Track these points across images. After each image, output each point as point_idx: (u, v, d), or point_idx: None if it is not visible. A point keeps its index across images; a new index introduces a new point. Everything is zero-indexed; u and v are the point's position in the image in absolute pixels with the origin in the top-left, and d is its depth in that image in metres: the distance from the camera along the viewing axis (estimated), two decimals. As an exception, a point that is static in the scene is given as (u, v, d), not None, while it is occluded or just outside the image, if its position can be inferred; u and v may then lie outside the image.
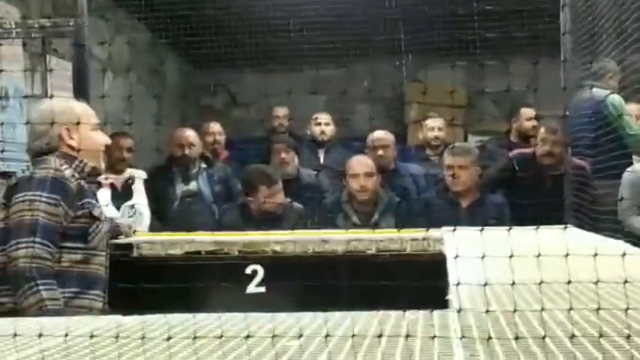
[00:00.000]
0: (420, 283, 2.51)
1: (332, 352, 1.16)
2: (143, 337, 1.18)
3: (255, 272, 3.41)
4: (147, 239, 3.65)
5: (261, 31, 7.34)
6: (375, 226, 4.87)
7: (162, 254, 3.53)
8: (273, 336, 1.18)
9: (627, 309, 1.18)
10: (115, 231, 3.55)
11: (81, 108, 3.25)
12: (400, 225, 4.65)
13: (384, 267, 3.28)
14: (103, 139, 3.31)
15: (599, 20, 4.43)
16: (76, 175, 3.04)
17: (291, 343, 1.20)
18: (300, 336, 1.16)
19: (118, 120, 6.67)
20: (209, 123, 6.77)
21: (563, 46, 4.27)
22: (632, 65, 5.02)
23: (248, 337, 1.16)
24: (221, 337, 1.21)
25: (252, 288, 3.41)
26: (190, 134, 5.93)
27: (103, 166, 3.32)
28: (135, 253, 3.51)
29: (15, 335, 1.20)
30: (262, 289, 3.40)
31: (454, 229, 2.54)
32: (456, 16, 7.09)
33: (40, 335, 1.29)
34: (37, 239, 2.78)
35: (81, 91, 3.83)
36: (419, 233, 3.48)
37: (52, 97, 3.45)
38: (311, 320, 1.35)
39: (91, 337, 1.22)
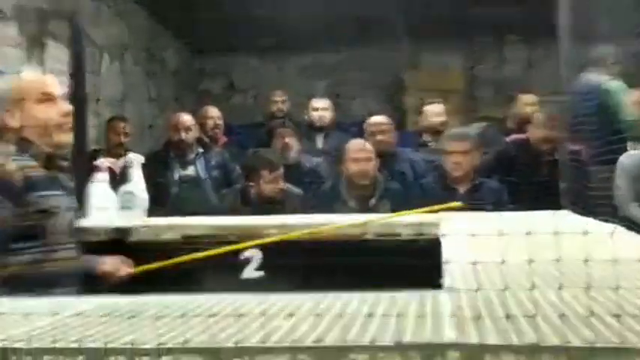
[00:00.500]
0: (416, 265, 2.52)
1: (324, 330, 1.17)
2: (158, 316, 1.19)
3: (252, 257, 3.40)
4: (143, 224, 3.64)
5: (261, 17, 7.33)
6: (372, 210, 4.87)
7: (162, 238, 3.52)
8: (264, 314, 1.19)
9: (617, 288, 1.18)
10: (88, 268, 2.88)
11: (26, 80, 2.87)
12: (397, 210, 4.65)
13: (380, 250, 3.28)
14: (53, 110, 2.70)
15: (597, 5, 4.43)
16: (30, 164, 2.62)
17: (284, 321, 1.20)
18: (291, 315, 1.17)
19: (116, 105, 6.69)
20: (207, 107, 6.75)
21: (561, 31, 4.26)
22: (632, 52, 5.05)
23: (239, 315, 1.17)
24: (215, 315, 1.21)
25: (249, 272, 3.41)
26: (187, 118, 5.90)
27: (64, 140, 2.77)
28: (132, 238, 3.49)
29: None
30: (260, 274, 3.40)
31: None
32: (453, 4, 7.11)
33: (55, 313, 1.30)
34: None
35: (76, 77, 3.82)
36: (415, 218, 3.48)
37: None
38: (307, 300, 1.35)
39: (103, 316, 1.23)
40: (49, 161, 2.68)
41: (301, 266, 3.22)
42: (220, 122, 6.65)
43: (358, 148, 5.17)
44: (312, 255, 3.27)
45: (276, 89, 7.54)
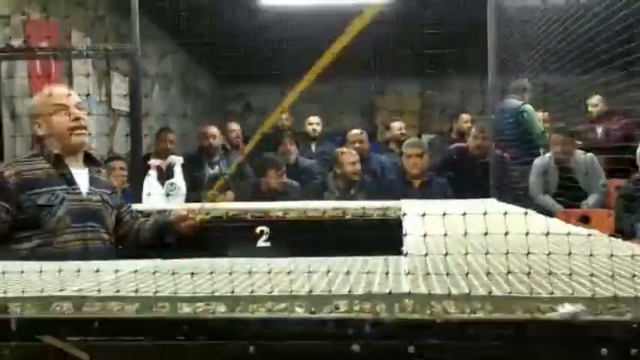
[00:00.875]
0: (384, 237, 2.51)
1: (314, 284, 1.17)
2: (193, 274, 1.20)
3: (262, 231, 3.40)
4: (182, 207, 3.63)
5: (271, 56, 7.33)
6: (352, 198, 4.87)
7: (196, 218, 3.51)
8: (270, 272, 1.19)
9: (528, 253, 1.19)
10: (162, 222, 2.80)
11: (43, 96, 2.61)
12: (370, 198, 4.66)
13: (357, 226, 3.28)
14: (65, 117, 2.50)
15: (518, 46, 4.44)
16: (40, 165, 2.46)
17: (285, 278, 1.20)
18: (290, 273, 1.17)
19: (163, 120, 6.71)
20: (230, 123, 6.84)
21: (490, 68, 4.28)
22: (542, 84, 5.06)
23: (250, 273, 1.17)
24: (231, 273, 1.21)
25: (260, 243, 3.41)
26: (214, 130, 6.01)
27: (78, 141, 2.53)
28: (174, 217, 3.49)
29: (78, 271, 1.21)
30: (268, 244, 3.40)
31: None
32: (413, 46, 7.10)
33: (116, 270, 1.30)
34: None
35: (134, 100, 3.81)
36: (384, 203, 3.49)
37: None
38: (302, 263, 1.35)
39: (153, 273, 1.23)
40: (57, 162, 2.49)
41: (298, 238, 3.22)
42: (240, 134, 6.71)
43: (353, 155, 5.19)
44: (306, 230, 3.28)
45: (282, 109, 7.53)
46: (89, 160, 2.63)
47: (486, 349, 1.05)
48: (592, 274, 1.13)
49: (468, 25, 4.63)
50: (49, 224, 2.39)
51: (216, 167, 5.89)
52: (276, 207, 3.50)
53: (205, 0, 5.87)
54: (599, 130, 6.25)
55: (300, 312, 1.09)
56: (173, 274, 1.16)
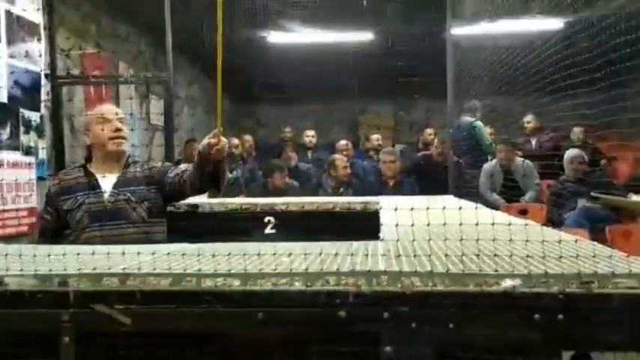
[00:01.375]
0: (365, 226, 2.50)
1: (309, 264, 1.17)
2: (214, 255, 1.19)
3: (269, 221, 3.39)
4: (206, 201, 3.62)
5: (277, 82, 7.33)
6: (341, 195, 4.87)
7: (216, 210, 3.50)
8: (274, 254, 1.18)
9: (477, 240, 1.19)
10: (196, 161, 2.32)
11: (92, 110, 2.52)
12: (355, 195, 4.67)
13: (344, 217, 3.27)
14: (107, 127, 2.37)
15: (470, 75, 4.45)
16: (74, 175, 2.39)
17: (286, 259, 1.20)
18: (290, 254, 1.17)
19: (191, 133, 6.68)
20: (244, 135, 6.83)
21: (448, 91, 4.28)
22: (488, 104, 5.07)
23: (259, 254, 1.17)
24: (244, 254, 1.20)
25: (268, 230, 3.40)
26: (235, 141, 6.01)
27: (115, 149, 2.37)
28: (200, 210, 3.47)
29: (123, 253, 1.20)
30: (274, 231, 3.39)
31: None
32: (388, 75, 7.11)
33: (139, 253, 1.29)
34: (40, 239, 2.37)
35: (167, 117, 3.80)
36: (366, 198, 3.49)
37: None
38: (299, 246, 1.35)
39: (182, 254, 1.22)
40: (85, 170, 2.38)
41: (297, 226, 3.21)
42: (253, 144, 6.71)
43: (344, 160, 5.19)
44: (304, 220, 3.27)
45: (285, 125, 7.55)
46: (128, 166, 2.44)
47: (445, 315, 1.05)
48: (528, 256, 1.14)
49: (432, 57, 4.63)
50: (72, 225, 2.29)
51: (234, 172, 5.89)
52: (280, 201, 3.50)
53: (225, 38, 5.84)
54: (533, 141, 6.28)
55: (298, 285, 1.09)
56: (198, 255, 1.15)
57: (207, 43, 5.36)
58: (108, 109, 2.47)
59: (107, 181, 2.38)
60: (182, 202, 3.41)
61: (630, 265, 1.09)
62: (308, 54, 6.42)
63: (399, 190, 4.89)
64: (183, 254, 1.19)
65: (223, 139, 2.21)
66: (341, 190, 5.09)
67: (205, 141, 2.19)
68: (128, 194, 2.35)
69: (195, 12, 4.75)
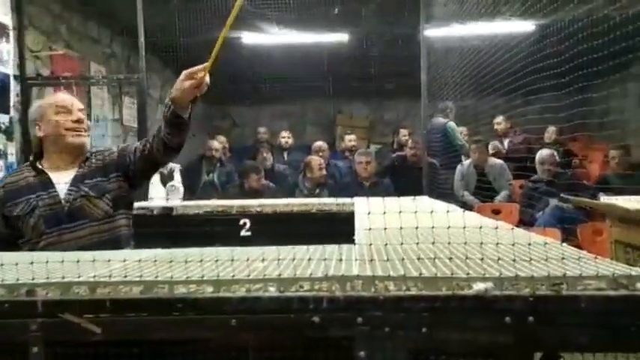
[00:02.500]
0: (341, 229, 2.51)
1: (283, 268, 1.16)
2: (186, 261, 1.17)
3: (245, 223, 3.38)
4: (180, 204, 3.59)
5: (250, 82, 7.31)
6: (317, 196, 4.87)
7: (191, 213, 3.47)
8: (248, 259, 1.18)
9: (449, 242, 1.20)
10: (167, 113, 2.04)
11: (46, 98, 2.25)
12: (331, 196, 4.67)
13: (319, 219, 3.27)
14: (67, 118, 2.09)
15: (444, 77, 4.49)
16: (23, 176, 2.10)
17: (260, 264, 1.19)
18: (263, 260, 1.16)
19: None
20: (219, 136, 6.79)
21: (422, 93, 4.31)
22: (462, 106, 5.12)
23: (232, 260, 1.16)
24: (217, 260, 1.19)
25: (243, 232, 3.38)
26: (216, 144, 6.00)
27: (77, 141, 2.11)
28: (174, 212, 3.44)
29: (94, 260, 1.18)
30: (249, 233, 3.38)
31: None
32: (364, 77, 7.15)
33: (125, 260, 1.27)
34: None
35: (140, 119, 3.76)
36: (341, 200, 3.49)
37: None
38: (273, 251, 1.34)
39: (153, 261, 1.20)
40: (35, 168, 2.10)
41: (273, 229, 3.20)
42: (227, 144, 6.67)
43: (320, 162, 5.19)
44: (279, 222, 3.26)
45: (260, 126, 7.53)
46: (86, 160, 2.17)
47: (418, 319, 1.06)
48: (499, 259, 1.15)
49: (406, 59, 4.66)
50: (27, 232, 2.02)
51: (211, 174, 5.85)
52: (255, 203, 3.49)
53: (198, 39, 5.81)
54: (505, 142, 6.38)
55: (271, 291, 1.09)
56: (170, 261, 1.14)
57: (180, 44, 5.34)
58: (67, 97, 2.18)
59: (62, 179, 2.10)
60: (154, 205, 3.38)
61: (598, 267, 1.11)
62: (283, 55, 6.41)
63: (374, 191, 4.91)
64: (154, 261, 1.17)
65: (206, 77, 1.95)
66: (317, 191, 5.09)
67: (184, 82, 1.92)
68: (86, 189, 2.08)
69: (169, 13, 4.70)
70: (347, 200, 3.40)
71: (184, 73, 1.94)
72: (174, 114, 2.00)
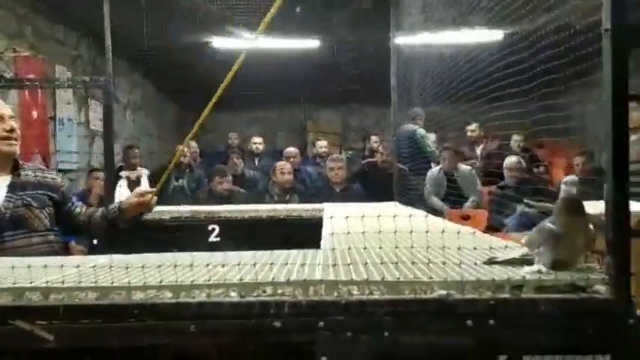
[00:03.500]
0: (308, 234, 2.49)
1: (244, 273, 1.15)
2: (144, 267, 1.15)
3: (214, 229, 3.34)
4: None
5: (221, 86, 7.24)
6: (287, 202, 4.85)
7: (159, 218, 3.41)
8: (208, 265, 1.16)
9: (412, 247, 1.20)
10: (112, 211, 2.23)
11: None
12: (301, 202, 4.66)
13: (289, 225, 3.26)
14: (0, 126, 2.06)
15: (413, 84, 4.52)
16: None
17: (221, 269, 1.17)
18: (224, 266, 1.14)
19: (133, 139, 6.52)
20: (190, 142, 6.70)
21: (392, 99, 4.34)
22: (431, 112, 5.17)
23: (208, 265, 1.14)
24: (191, 265, 1.17)
25: (212, 238, 3.35)
26: (185, 149, 5.89)
27: (7, 150, 2.07)
28: (141, 218, 3.37)
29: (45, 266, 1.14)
30: (218, 239, 3.34)
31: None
32: (337, 83, 7.18)
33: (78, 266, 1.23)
34: None
35: (107, 123, 3.68)
36: (310, 206, 3.48)
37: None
38: (236, 256, 1.32)
39: (110, 267, 1.17)
40: None
41: (242, 235, 3.17)
42: (197, 150, 6.62)
43: (286, 166, 5.17)
44: (248, 228, 3.24)
45: (232, 131, 7.49)
46: (17, 169, 2.12)
47: (380, 323, 1.05)
48: (460, 263, 1.15)
49: (377, 65, 4.68)
50: None
51: (180, 180, 5.77)
52: (224, 209, 3.45)
53: (168, 42, 5.75)
54: (478, 149, 6.47)
55: (232, 296, 1.07)
56: (127, 267, 1.11)
57: (149, 47, 5.27)
58: (1, 105, 2.15)
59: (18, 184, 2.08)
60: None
61: (558, 271, 1.12)
62: (255, 60, 6.38)
63: (345, 196, 4.91)
64: (110, 267, 1.14)
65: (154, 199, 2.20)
66: (287, 197, 5.07)
67: (134, 199, 2.18)
68: (29, 199, 2.05)
69: (137, 15, 4.64)
70: (317, 206, 3.39)
71: (136, 191, 2.25)
72: (117, 219, 2.20)
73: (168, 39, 4.96)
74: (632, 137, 3.58)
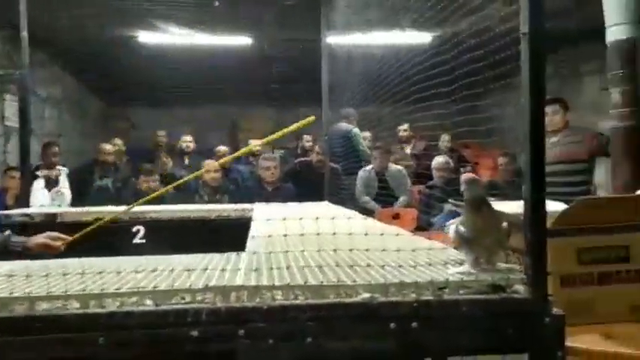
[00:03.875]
0: (236, 236, 2.44)
1: (160, 280, 1.09)
2: (48, 275, 1.06)
3: (138, 230, 3.22)
4: (66, 210, 3.35)
5: (150, 83, 7.03)
6: (217, 202, 4.76)
7: (80, 220, 3.24)
8: (119, 272, 1.09)
9: (351, 250, 1.18)
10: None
11: None
12: (231, 201, 4.58)
13: (218, 226, 3.18)
14: None
15: (345, 84, 4.54)
16: None
17: (136, 275, 1.11)
18: (137, 272, 1.07)
19: (53, 135, 6.20)
20: (115, 139, 6.48)
21: (324, 98, 4.35)
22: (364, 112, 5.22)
23: (136, 272, 1.07)
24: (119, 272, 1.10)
25: (136, 240, 3.22)
26: (108, 147, 5.69)
27: None
28: (59, 219, 3.20)
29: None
30: (143, 241, 3.22)
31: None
32: (269, 81, 7.13)
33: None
34: None
35: (23, 118, 3.46)
36: (240, 206, 3.42)
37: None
38: (152, 260, 1.26)
39: (10, 276, 1.08)
40: None
41: (168, 236, 3.06)
42: (124, 148, 6.39)
43: (211, 165, 5.08)
44: (175, 229, 3.13)
45: (159, 129, 7.27)
46: None
47: (303, 329, 1.02)
48: (384, 265, 1.14)
49: (310, 64, 4.66)
50: None
51: (105, 180, 5.53)
52: (150, 209, 3.33)
53: (92, 35, 5.50)
54: (408, 149, 6.60)
55: (147, 304, 1.01)
56: (27, 276, 1.02)
57: (71, 39, 5.03)
58: None
59: None
60: (39, 211, 3.14)
61: (479, 271, 1.13)
62: (184, 56, 6.22)
63: (277, 196, 4.87)
64: (10, 275, 1.05)
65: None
66: (217, 196, 4.97)
67: (42, 240, 2.13)
68: None
69: (58, 6, 4.40)
70: (247, 206, 3.33)
71: (48, 234, 2.19)
72: (13, 251, 2.10)
73: (91, 31, 4.74)
74: (553, 139, 3.81)
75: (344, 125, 5.54)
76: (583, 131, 3.89)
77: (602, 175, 4.01)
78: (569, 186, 3.48)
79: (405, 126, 6.63)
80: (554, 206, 1.20)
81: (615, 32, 2.42)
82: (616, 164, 2.49)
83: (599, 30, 2.63)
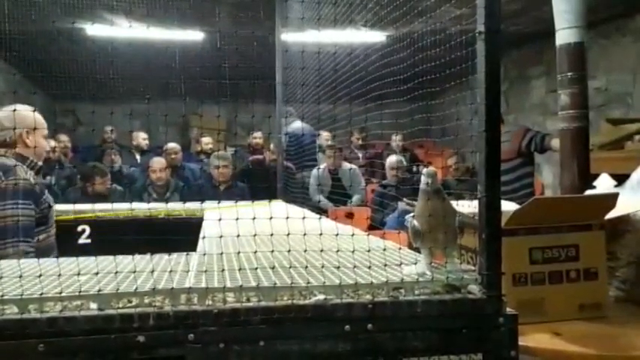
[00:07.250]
0: (189, 236, 2.38)
1: (105, 283, 1.04)
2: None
3: (84, 230, 3.11)
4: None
5: (99, 77, 6.80)
6: (167, 201, 4.65)
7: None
8: (60, 275, 1.03)
9: (305, 250, 1.16)
10: None
11: (38, 118, 2.57)
12: (182, 200, 4.49)
13: (168, 225, 3.10)
14: (47, 145, 2.71)
15: (297, 82, 4.52)
16: (29, 171, 2.39)
17: (80, 277, 1.05)
18: (81, 275, 1.02)
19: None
20: (60, 135, 6.25)
21: (277, 96, 4.32)
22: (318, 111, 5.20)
23: (79, 274, 1.01)
24: (59, 275, 1.04)
25: (81, 240, 3.11)
26: (52, 143, 5.50)
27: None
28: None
29: None
30: (89, 241, 3.12)
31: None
32: (222, 76, 6.99)
33: None
34: (21, 238, 2.18)
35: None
36: (191, 205, 3.35)
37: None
38: (95, 262, 1.20)
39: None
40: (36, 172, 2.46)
41: (115, 235, 2.96)
42: (69, 144, 6.18)
43: (157, 163, 4.97)
44: (122, 228, 3.04)
45: (108, 125, 7.06)
46: None
47: (255, 332, 0.99)
48: (339, 266, 1.13)
49: (264, 61, 4.61)
50: (49, 221, 2.40)
51: (48, 177, 5.32)
52: (97, 207, 3.22)
53: (36, 26, 5.28)
54: (360, 153, 6.66)
55: (91, 308, 0.96)
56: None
57: (12, 29, 4.79)
58: (44, 123, 2.50)
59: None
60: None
61: (434, 271, 1.13)
62: (134, 51, 6.04)
63: (229, 194, 4.80)
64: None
65: None
66: (167, 195, 4.87)
67: None
68: None
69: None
70: (197, 205, 3.27)
71: None
72: None
73: (36, 22, 4.52)
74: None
75: (299, 123, 5.51)
76: (512, 129, 3.89)
77: (549, 176, 4.11)
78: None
79: (357, 135, 6.68)
80: (505, 206, 1.21)
81: (565, 35, 2.48)
82: (564, 165, 2.56)
83: (548, 33, 2.70)
